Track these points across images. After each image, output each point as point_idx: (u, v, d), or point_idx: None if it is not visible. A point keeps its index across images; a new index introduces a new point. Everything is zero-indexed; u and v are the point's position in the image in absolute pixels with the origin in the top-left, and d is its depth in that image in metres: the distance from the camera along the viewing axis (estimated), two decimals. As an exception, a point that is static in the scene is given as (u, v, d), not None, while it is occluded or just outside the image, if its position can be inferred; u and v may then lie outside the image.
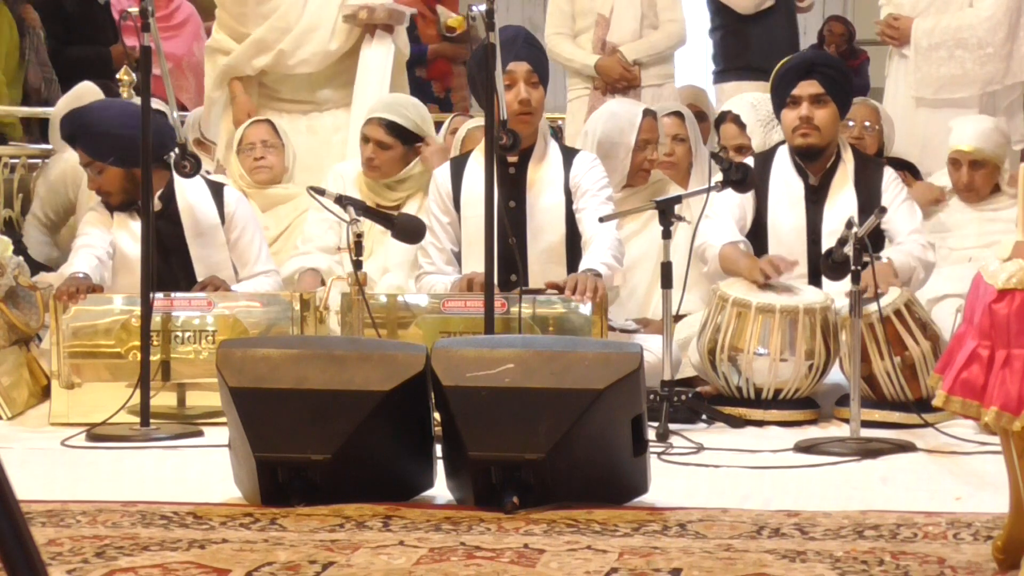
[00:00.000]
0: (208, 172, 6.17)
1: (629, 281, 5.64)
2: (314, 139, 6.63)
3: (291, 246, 6.07)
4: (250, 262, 5.50)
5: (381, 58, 6.63)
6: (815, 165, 5.40)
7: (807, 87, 5.33)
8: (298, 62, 6.61)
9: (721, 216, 5.34)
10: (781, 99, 5.40)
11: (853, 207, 5.27)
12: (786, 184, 5.42)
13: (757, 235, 5.44)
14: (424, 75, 8.63)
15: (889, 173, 5.46)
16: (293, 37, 6.60)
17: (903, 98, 6.64)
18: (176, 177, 5.36)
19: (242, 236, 5.49)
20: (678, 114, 6.26)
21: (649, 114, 5.85)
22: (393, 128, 5.86)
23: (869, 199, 5.30)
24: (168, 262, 5.38)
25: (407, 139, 5.88)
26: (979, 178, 6.02)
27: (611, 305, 5.21)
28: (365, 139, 5.87)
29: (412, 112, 5.97)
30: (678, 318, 5.29)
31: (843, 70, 5.54)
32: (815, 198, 5.39)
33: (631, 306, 5.63)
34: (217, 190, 5.55)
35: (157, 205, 5.33)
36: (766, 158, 5.49)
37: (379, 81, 6.59)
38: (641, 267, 5.70)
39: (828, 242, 5.14)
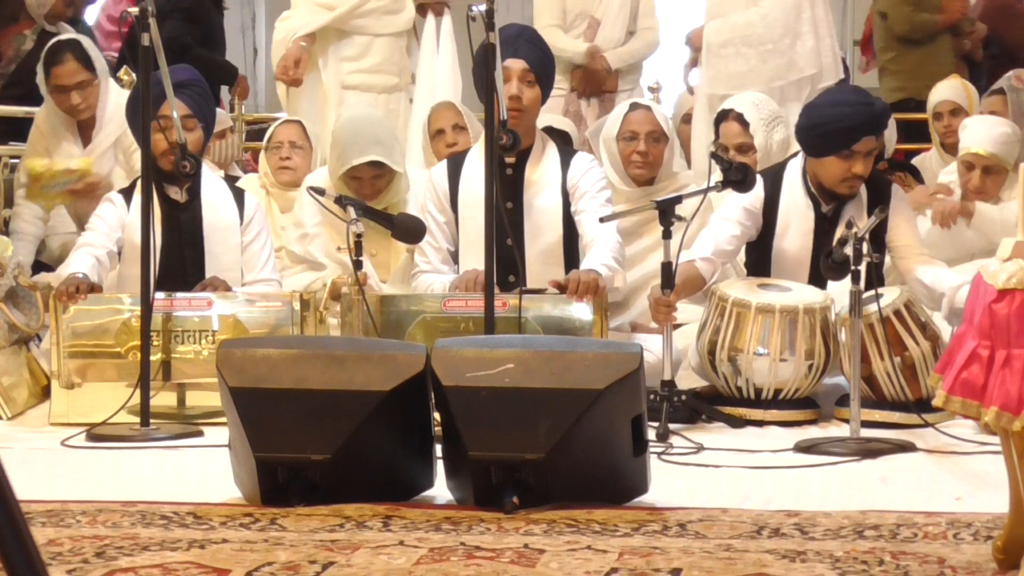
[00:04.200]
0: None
1: (636, 290, 5.62)
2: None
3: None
4: (256, 268, 5.50)
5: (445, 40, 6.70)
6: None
7: (868, 143, 5.15)
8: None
9: (717, 228, 5.24)
10: (834, 146, 5.14)
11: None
12: (797, 211, 5.28)
13: (761, 257, 5.37)
14: None
15: (897, 193, 5.34)
16: None
17: (701, 97, 6.69)
18: (204, 171, 5.45)
19: (255, 241, 5.51)
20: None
21: (639, 107, 5.87)
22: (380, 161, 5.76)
23: (879, 225, 5.15)
24: (182, 255, 5.41)
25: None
26: (990, 182, 6.00)
27: (611, 308, 5.20)
28: (355, 177, 5.68)
29: (390, 140, 5.81)
30: (675, 327, 5.25)
31: (889, 116, 5.47)
32: (826, 227, 5.23)
33: (634, 313, 5.62)
34: (238, 193, 5.59)
35: (183, 196, 5.42)
36: (775, 179, 5.33)
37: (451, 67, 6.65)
38: (639, 267, 5.69)
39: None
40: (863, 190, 5.26)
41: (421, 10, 6.83)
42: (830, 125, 5.14)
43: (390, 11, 6.64)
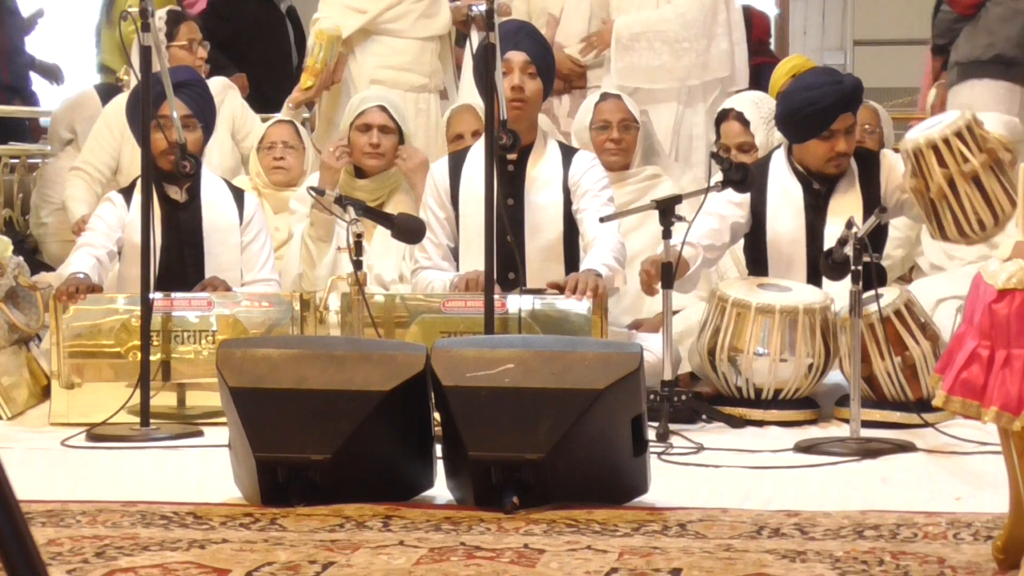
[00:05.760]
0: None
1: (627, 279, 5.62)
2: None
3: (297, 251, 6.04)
4: (255, 268, 5.51)
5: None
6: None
7: (845, 120, 5.21)
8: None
9: (702, 220, 5.24)
10: (813, 129, 5.21)
11: (858, 208, 5.22)
12: (784, 192, 5.32)
13: (756, 243, 5.38)
14: None
15: (887, 159, 5.36)
16: None
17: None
18: (203, 171, 5.46)
19: (254, 241, 5.53)
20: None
21: (608, 97, 5.97)
22: (390, 112, 5.88)
23: (872, 194, 5.23)
24: (182, 255, 5.42)
25: (398, 127, 5.92)
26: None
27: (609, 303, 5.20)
28: (364, 128, 5.84)
29: (398, 102, 6.05)
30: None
31: (862, 90, 5.50)
32: (817, 204, 5.28)
33: (627, 303, 5.62)
34: (238, 193, 5.60)
35: (183, 196, 5.43)
36: (762, 167, 5.37)
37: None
38: (638, 264, 5.69)
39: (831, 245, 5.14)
40: (853, 164, 5.32)
41: (464, 26, 6.83)
42: (805, 109, 5.21)
43: (425, 15, 6.66)
